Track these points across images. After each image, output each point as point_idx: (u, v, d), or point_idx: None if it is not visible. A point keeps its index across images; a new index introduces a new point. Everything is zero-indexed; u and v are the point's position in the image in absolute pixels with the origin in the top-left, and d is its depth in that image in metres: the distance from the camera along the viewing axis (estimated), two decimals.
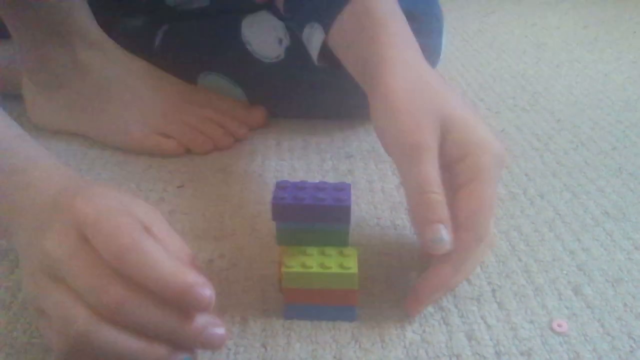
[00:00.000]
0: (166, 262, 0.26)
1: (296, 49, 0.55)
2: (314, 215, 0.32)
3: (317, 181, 0.34)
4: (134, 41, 0.58)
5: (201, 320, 0.27)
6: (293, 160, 0.53)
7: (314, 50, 0.47)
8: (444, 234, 0.31)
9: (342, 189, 0.33)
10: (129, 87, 0.54)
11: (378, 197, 0.47)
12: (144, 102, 0.54)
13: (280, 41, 0.56)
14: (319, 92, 0.58)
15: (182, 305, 0.26)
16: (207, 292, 0.26)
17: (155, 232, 0.29)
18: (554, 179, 0.50)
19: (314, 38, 0.46)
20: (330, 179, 0.50)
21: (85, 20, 0.53)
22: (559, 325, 0.34)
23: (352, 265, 0.32)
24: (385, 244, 0.41)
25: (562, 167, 0.52)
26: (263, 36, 0.57)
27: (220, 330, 0.28)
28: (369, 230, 0.43)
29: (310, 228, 0.33)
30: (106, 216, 0.27)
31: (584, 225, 0.44)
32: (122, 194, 0.31)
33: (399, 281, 0.38)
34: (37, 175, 0.33)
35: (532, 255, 0.40)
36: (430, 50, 0.56)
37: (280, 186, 0.34)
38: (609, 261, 0.40)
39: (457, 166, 0.34)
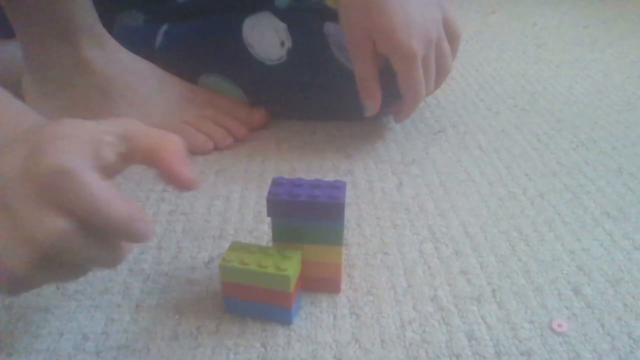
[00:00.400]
0: (102, 189, 0.26)
1: (298, 50, 0.55)
2: (308, 212, 0.33)
3: (313, 179, 0.35)
4: (134, 42, 0.58)
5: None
6: (293, 160, 0.53)
7: None
8: (369, 104, 0.51)
9: (338, 187, 0.34)
10: (130, 86, 0.54)
11: (378, 197, 0.47)
12: (144, 102, 0.54)
13: (282, 43, 0.56)
14: (320, 93, 0.58)
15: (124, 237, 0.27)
16: (142, 219, 0.27)
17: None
18: (554, 179, 0.50)
19: None
20: (330, 179, 0.50)
21: (88, 19, 0.54)
22: (559, 325, 0.34)
23: (288, 267, 0.32)
24: (385, 244, 0.42)
25: (562, 167, 0.52)
26: (265, 38, 0.57)
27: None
28: (369, 230, 0.43)
29: (305, 225, 0.33)
30: (49, 141, 0.26)
31: (584, 225, 0.44)
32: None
33: (399, 281, 0.38)
34: (7, 116, 0.32)
35: (532, 255, 0.40)
36: None
37: (276, 182, 0.34)
38: (609, 261, 0.40)
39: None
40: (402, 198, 0.47)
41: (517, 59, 0.83)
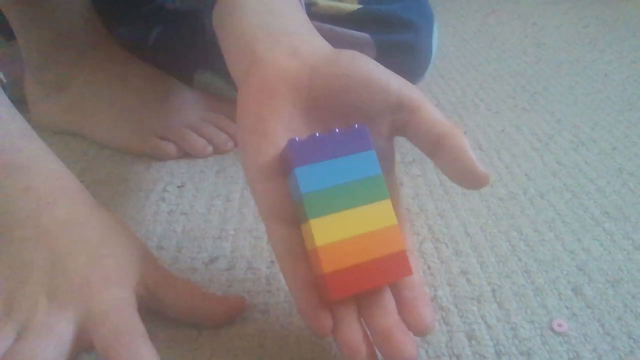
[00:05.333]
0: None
1: None
2: (333, 147, 0.28)
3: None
4: (127, 39, 0.58)
5: None
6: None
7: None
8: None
9: (356, 126, 0.29)
10: (130, 89, 0.54)
11: None
12: (144, 105, 0.54)
13: None
14: None
15: None
16: None
17: (158, 287, 0.33)
18: (554, 179, 0.50)
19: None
20: None
21: (89, 22, 0.54)
22: (559, 325, 0.34)
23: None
24: None
25: (562, 167, 0.52)
26: None
27: None
28: None
29: (335, 167, 0.28)
30: (111, 314, 0.30)
31: (584, 225, 0.44)
32: (126, 258, 0.33)
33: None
34: (41, 181, 0.33)
35: (532, 255, 0.40)
36: (421, 52, 0.56)
37: (291, 140, 0.28)
38: (609, 261, 0.40)
39: None
40: (402, 198, 0.47)
41: (517, 59, 0.83)
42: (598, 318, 0.35)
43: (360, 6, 0.54)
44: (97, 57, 0.54)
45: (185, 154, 0.54)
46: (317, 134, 0.29)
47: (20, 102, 0.58)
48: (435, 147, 0.29)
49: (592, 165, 0.52)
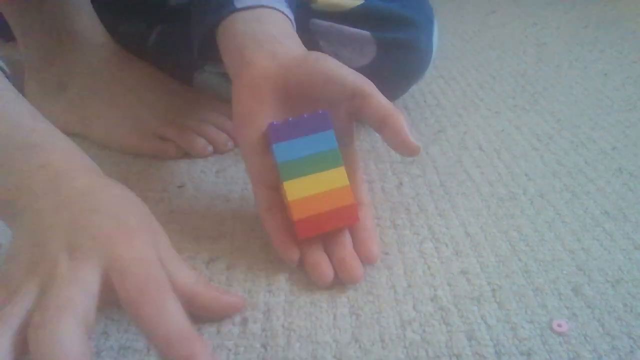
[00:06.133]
0: (180, 324, 0.28)
1: None
2: (302, 128, 0.38)
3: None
4: (127, 39, 0.58)
5: None
6: None
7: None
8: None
9: (319, 112, 0.38)
10: (130, 89, 0.54)
11: (378, 197, 0.47)
12: (144, 105, 0.54)
13: None
14: None
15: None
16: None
17: (167, 263, 0.32)
18: (554, 179, 0.50)
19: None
20: None
21: (89, 21, 0.54)
22: (559, 325, 0.34)
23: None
24: (385, 244, 0.42)
25: (562, 167, 0.52)
26: None
27: None
28: None
29: (305, 154, 0.38)
30: (136, 267, 0.29)
31: (584, 225, 0.44)
32: (146, 222, 0.33)
33: (399, 281, 0.38)
34: (57, 157, 0.33)
35: (532, 255, 0.40)
36: (421, 50, 0.56)
37: (271, 124, 0.38)
38: (609, 261, 0.40)
39: None
40: (402, 198, 0.47)
41: (517, 59, 0.83)
42: (598, 318, 0.35)
43: (362, 1, 0.54)
44: (97, 57, 0.54)
45: (185, 154, 0.54)
46: (290, 119, 0.38)
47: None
48: (380, 125, 0.37)
49: (592, 165, 0.52)
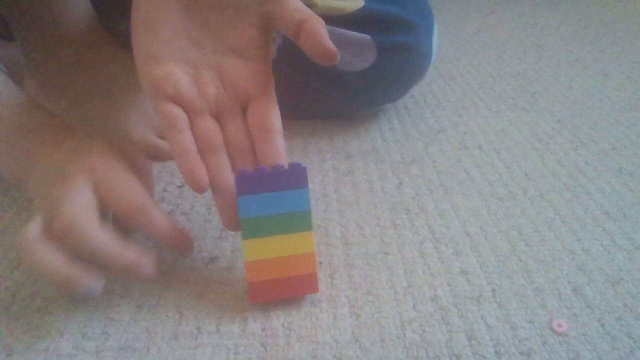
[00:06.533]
0: (165, 222, 0.34)
1: (288, 48, 0.55)
2: (274, 183, 0.34)
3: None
4: (127, 38, 0.58)
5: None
6: (293, 160, 0.53)
7: None
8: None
9: (296, 164, 0.35)
10: (131, 88, 0.54)
11: (378, 197, 0.47)
12: (145, 104, 0.54)
13: (273, 39, 0.56)
14: (312, 91, 0.57)
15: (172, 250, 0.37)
16: (190, 242, 0.36)
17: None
18: (554, 179, 0.50)
19: None
20: (330, 179, 0.50)
21: (89, 21, 0.54)
22: (559, 325, 0.34)
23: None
24: (385, 244, 0.42)
25: (562, 167, 0.52)
26: None
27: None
28: (369, 230, 0.43)
29: (272, 201, 0.34)
30: (119, 180, 0.34)
31: (584, 225, 0.44)
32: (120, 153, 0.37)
33: (399, 281, 0.38)
34: (51, 133, 0.39)
35: (532, 255, 0.40)
36: (421, 53, 0.56)
37: (240, 170, 0.34)
38: (609, 261, 0.40)
39: None
40: (402, 198, 0.47)
41: (517, 59, 0.83)
42: (598, 318, 0.35)
43: (362, 4, 0.54)
44: (97, 57, 0.54)
45: None
46: (263, 169, 0.34)
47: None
48: (297, 31, 0.34)
49: (592, 165, 0.52)
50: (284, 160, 0.35)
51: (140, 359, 0.32)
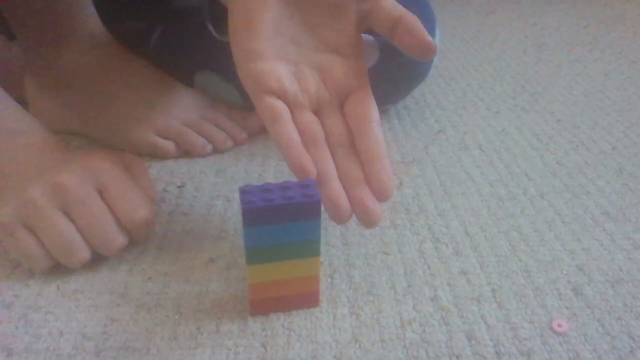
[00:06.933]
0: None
1: None
2: (285, 215, 0.31)
3: (281, 182, 0.33)
4: (129, 39, 0.58)
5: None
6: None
7: None
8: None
9: (308, 185, 0.32)
10: (131, 88, 0.54)
11: None
12: (144, 103, 0.54)
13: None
14: None
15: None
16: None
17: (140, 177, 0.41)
18: (554, 179, 0.50)
19: None
20: None
21: (90, 21, 0.54)
22: (559, 325, 0.34)
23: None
24: (385, 244, 0.42)
25: (562, 167, 0.52)
26: None
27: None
28: (369, 230, 0.43)
29: (281, 231, 0.32)
30: (127, 190, 0.38)
31: (584, 225, 0.44)
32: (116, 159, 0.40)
33: (399, 281, 0.38)
34: (39, 137, 0.40)
35: (532, 255, 0.40)
36: None
37: (245, 191, 0.31)
38: (609, 261, 0.40)
39: None
40: (402, 198, 0.47)
41: (517, 59, 0.83)
42: (598, 318, 0.35)
43: None
44: (97, 57, 0.54)
45: (185, 153, 0.54)
46: (276, 200, 0.31)
47: (20, 102, 0.58)
48: (394, 27, 0.35)
49: (592, 165, 0.52)
50: (383, 151, 0.35)
51: (140, 359, 0.32)
